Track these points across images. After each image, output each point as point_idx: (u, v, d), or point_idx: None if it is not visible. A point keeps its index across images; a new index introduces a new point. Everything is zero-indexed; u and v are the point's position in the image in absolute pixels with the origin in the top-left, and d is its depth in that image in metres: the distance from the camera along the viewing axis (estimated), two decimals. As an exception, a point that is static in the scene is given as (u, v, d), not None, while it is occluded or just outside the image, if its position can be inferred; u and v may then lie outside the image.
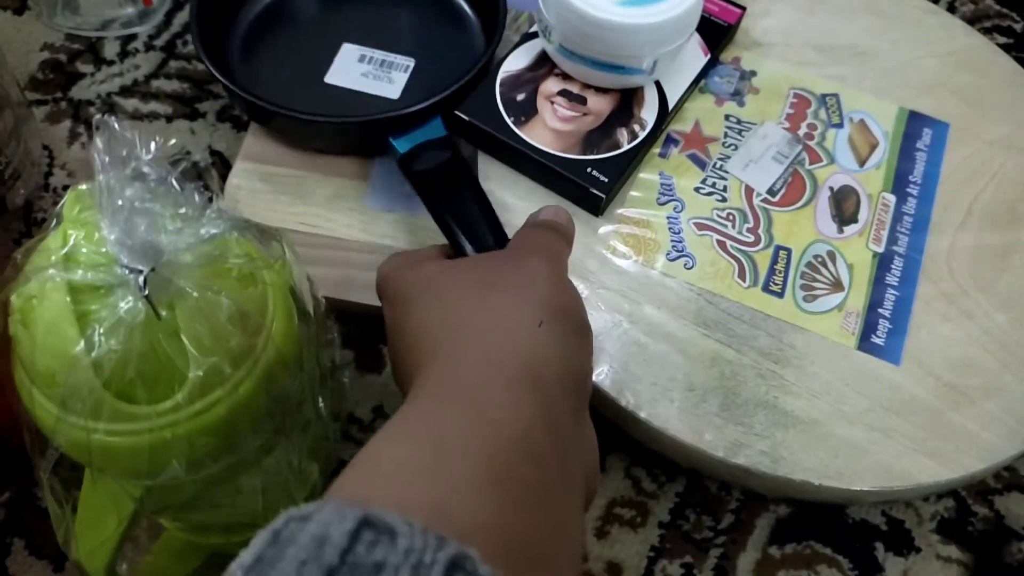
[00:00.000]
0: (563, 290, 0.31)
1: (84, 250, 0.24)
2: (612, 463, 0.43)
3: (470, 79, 0.46)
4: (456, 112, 0.45)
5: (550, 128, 0.45)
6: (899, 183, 0.47)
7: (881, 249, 0.45)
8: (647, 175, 0.46)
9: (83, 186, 0.26)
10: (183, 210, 0.24)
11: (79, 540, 0.30)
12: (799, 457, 0.38)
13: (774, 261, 0.44)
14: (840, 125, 0.49)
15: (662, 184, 0.46)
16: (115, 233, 0.23)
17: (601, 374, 0.40)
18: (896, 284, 0.44)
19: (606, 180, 0.44)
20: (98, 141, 0.23)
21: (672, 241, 0.44)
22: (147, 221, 0.23)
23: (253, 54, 0.51)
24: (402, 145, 0.42)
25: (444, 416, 0.24)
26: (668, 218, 0.45)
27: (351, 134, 0.47)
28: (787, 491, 0.40)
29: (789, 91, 0.50)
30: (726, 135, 0.48)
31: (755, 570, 0.41)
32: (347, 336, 0.44)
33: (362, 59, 0.50)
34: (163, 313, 0.24)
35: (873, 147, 0.48)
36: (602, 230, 0.44)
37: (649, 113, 0.46)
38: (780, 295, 0.43)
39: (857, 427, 0.39)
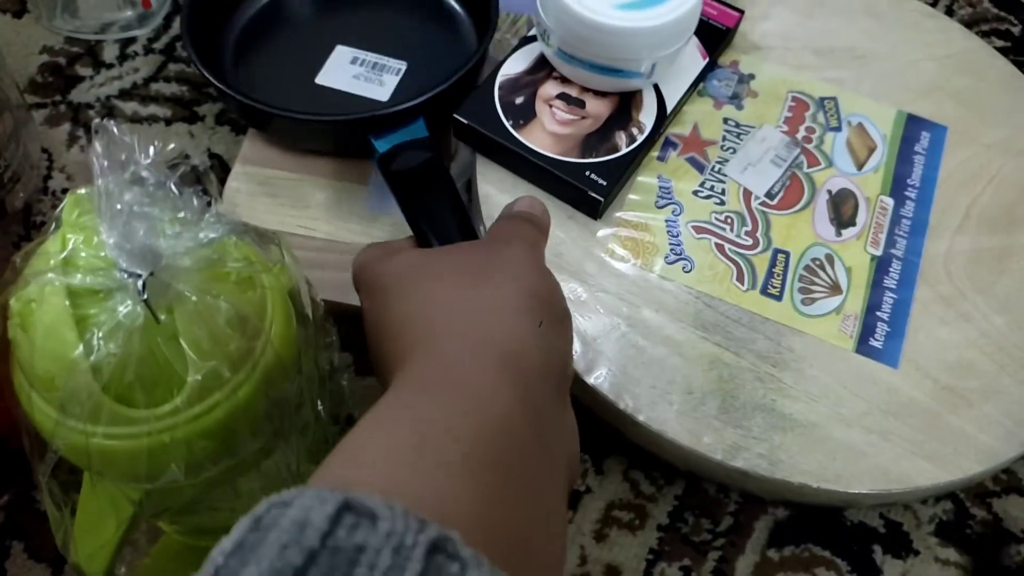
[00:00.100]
0: (542, 278, 0.31)
1: (83, 254, 0.25)
2: (611, 466, 0.43)
3: (454, 82, 0.46)
4: (455, 115, 0.45)
5: (548, 131, 0.45)
6: (897, 186, 0.47)
7: (879, 252, 0.45)
8: (645, 178, 0.46)
9: (82, 190, 0.26)
10: (182, 214, 0.24)
11: (78, 543, 0.30)
12: (797, 460, 0.39)
13: (772, 264, 0.44)
14: (838, 128, 0.49)
15: (660, 187, 0.46)
16: (114, 237, 0.23)
17: (600, 377, 0.40)
18: (894, 287, 0.44)
19: (604, 183, 0.44)
20: (97, 145, 0.23)
21: (670, 244, 0.44)
22: (146, 225, 0.23)
23: (247, 57, 0.52)
24: (382, 145, 0.42)
25: (426, 404, 0.24)
26: (666, 221, 0.45)
27: (333, 134, 0.47)
28: (785, 494, 0.40)
29: (787, 94, 0.50)
30: (724, 138, 0.48)
31: (753, 573, 0.41)
32: (346, 339, 0.44)
33: (354, 61, 0.51)
34: (162, 317, 0.24)
35: (871, 150, 0.48)
36: (600, 233, 0.44)
37: (647, 116, 0.46)
38: (778, 298, 0.43)
39: (855, 430, 0.39)
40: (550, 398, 0.28)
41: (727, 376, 0.40)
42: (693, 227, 0.45)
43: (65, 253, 0.25)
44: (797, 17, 0.53)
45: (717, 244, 0.44)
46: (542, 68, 0.48)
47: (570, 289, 0.42)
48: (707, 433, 0.39)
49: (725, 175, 0.46)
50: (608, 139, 0.45)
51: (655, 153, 0.47)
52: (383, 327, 0.29)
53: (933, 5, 0.61)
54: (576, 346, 0.41)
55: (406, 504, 0.18)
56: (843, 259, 0.44)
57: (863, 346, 0.42)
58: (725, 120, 0.48)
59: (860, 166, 0.48)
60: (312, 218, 0.47)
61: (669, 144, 0.47)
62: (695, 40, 0.49)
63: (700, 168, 0.47)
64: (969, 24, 0.60)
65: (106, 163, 0.23)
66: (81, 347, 0.24)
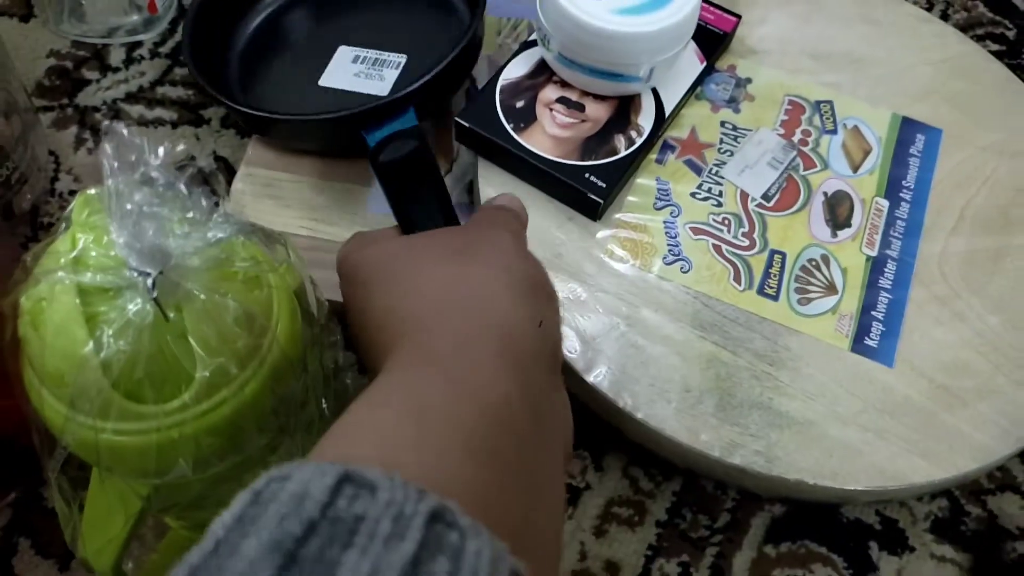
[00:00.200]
0: (529, 260, 0.31)
1: (93, 253, 0.25)
2: (610, 463, 0.44)
3: (441, 71, 0.45)
4: (457, 119, 0.46)
5: (549, 134, 0.46)
6: (892, 188, 0.48)
7: (874, 253, 0.45)
8: (644, 180, 0.47)
9: (91, 191, 0.26)
10: (191, 214, 0.25)
11: (86, 538, 0.30)
12: (794, 457, 0.39)
13: (769, 265, 0.44)
14: (834, 131, 0.49)
15: (659, 189, 0.46)
16: (124, 237, 0.24)
17: (599, 376, 0.41)
18: (889, 287, 0.44)
19: (604, 185, 0.44)
20: (107, 146, 0.24)
21: (669, 245, 0.45)
22: (155, 225, 0.24)
23: (253, 68, 0.52)
24: (372, 138, 0.41)
25: (423, 385, 0.24)
26: (665, 223, 0.45)
27: (326, 132, 0.47)
28: (782, 491, 0.41)
29: (784, 98, 0.50)
30: (722, 141, 0.48)
31: (751, 569, 0.41)
32: (349, 339, 0.45)
33: (356, 60, 0.51)
34: (171, 315, 0.25)
35: (867, 153, 0.49)
36: (600, 234, 0.45)
37: (646, 120, 0.47)
38: (775, 298, 0.43)
39: (851, 428, 0.40)
40: (545, 379, 0.28)
41: (724, 375, 0.41)
42: (691, 228, 0.45)
43: (75, 252, 0.25)
44: (794, 22, 0.54)
45: (715, 245, 0.45)
46: (542, 72, 0.48)
47: (570, 289, 0.43)
48: (705, 430, 0.39)
49: (722, 177, 0.47)
50: (607, 142, 0.46)
51: (653, 156, 0.48)
52: (368, 315, 0.29)
53: (929, 10, 0.62)
54: (576, 345, 0.41)
55: (404, 478, 0.18)
56: (839, 260, 0.45)
57: (859, 345, 0.42)
58: (722, 123, 0.49)
59: (856, 168, 0.48)
60: (315, 219, 0.48)
61: (667, 147, 0.48)
62: (693, 45, 0.49)
63: (698, 170, 0.47)
64: (964, 28, 0.61)
65: (116, 164, 0.23)
66: (91, 344, 0.25)
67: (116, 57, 0.55)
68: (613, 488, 0.43)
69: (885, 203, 0.47)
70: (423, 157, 0.38)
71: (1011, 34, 0.62)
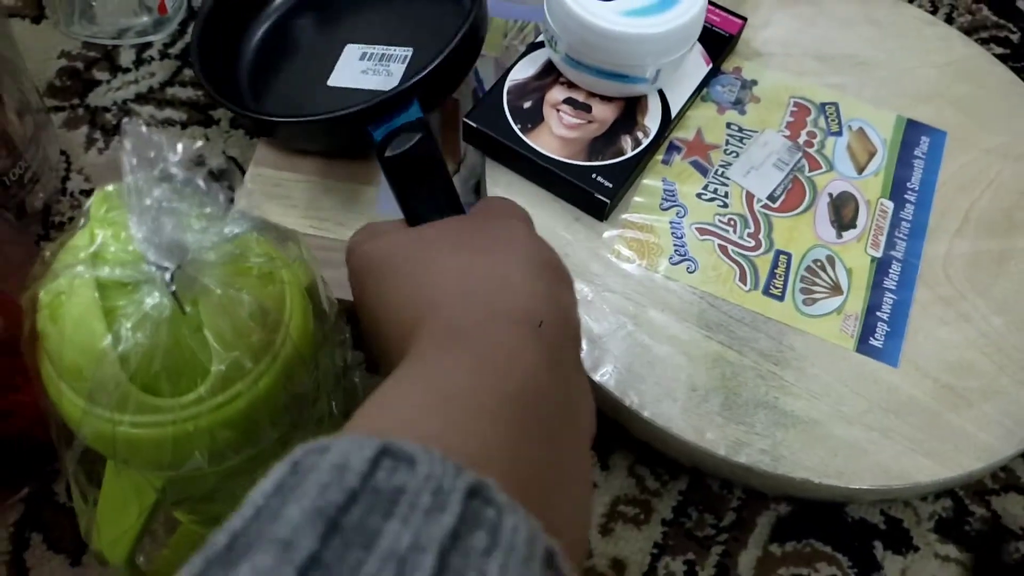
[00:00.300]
0: (543, 245, 0.31)
1: (111, 248, 0.26)
2: (616, 462, 0.44)
3: (442, 61, 0.44)
4: (464, 119, 0.46)
5: (556, 135, 0.46)
6: (897, 190, 0.48)
7: (879, 254, 0.46)
8: (650, 181, 0.47)
9: (109, 187, 0.27)
10: (208, 210, 0.25)
11: (101, 530, 0.30)
12: (799, 456, 0.39)
13: (774, 265, 0.45)
14: (839, 133, 0.50)
15: (665, 190, 0.47)
16: (143, 232, 0.24)
17: (606, 375, 0.41)
18: (894, 288, 0.45)
19: (610, 186, 0.45)
20: (126, 144, 0.24)
21: (675, 245, 0.45)
22: (174, 220, 0.24)
23: (262, 71, 0.53)
24: (378, 134, 0.41)
25: (450, 362, 0.24)
26: (671, 223, 0.46)
27: (331, 131, 0.46)
28: (787, 489, 0.41)
29: (789, 100, 0.51)
30: (727, 143, 0.49)
31: (756, 567, 0.42)
32: (357, 337, 0.45)
33: (363, 57, 0.51)
34: (187, 309, 0.25)
35: (871, 155, 0.49)
36: (606, 234, 0.45)
37: (652, 121, 0.47)
38: (780, 298, 0.44)
39: (856, 427, 0.40)
40: (570, 356, 0.28)
41: (730, 374, 0.41)
42: (697, 229, 0.46)
43: (94, 247, 0.26)
44: (799, 24, 0.54)
45: (720, 245, 0.45)
46: (549, 74, 0.49)
47: (577, 289, 0.43)
48: (711, 429, 0.40)
49: (728, 178, 0.47)
50: (614, 143, 0.46)
51: (660, 157, 0.48)
52: (382, 306, 0.29)
53: (933, 13, 0.62)
54: (583, 344, 0.42)
55: (439, 452, 0.18)
56: (844, 260, 0.45)
57: (863, 345, 0.43)
58: (728, 125, 0.49)
59: (861, 170, 0.49)
60: (324, 219, 0.48)
61: (673, 148, 0.48)
62: (699, 47, 0.50)
63: (704, 171, 0.48)
64: (968, 31, 0.61)
65: (135, 161, 0.24)
66: (109, 338, 0.25)
67: (126, 58, 0.56)
68: (619, 487, 0.43)
69: (890, 204, 0.47)
70: (428, 149, 0.38)
71: (1015, 37, 0.62)
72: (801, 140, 0.49)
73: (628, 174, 0.45)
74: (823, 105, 0.51)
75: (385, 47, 0.51)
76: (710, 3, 0.51)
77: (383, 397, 0.23)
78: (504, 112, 0.47)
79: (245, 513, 0.17)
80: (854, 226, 0.46)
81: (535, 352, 0.25)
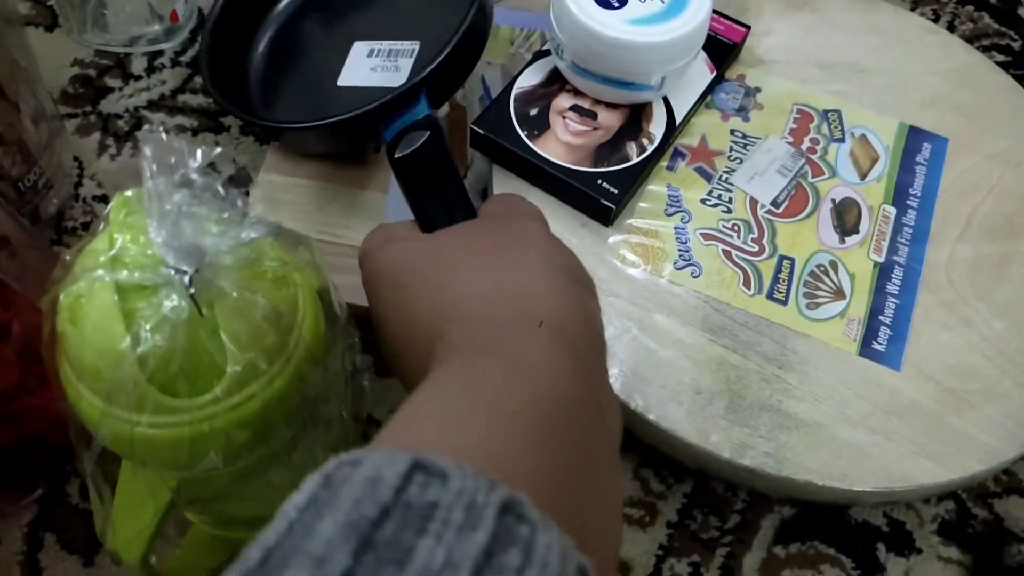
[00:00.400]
0: (562, 248, 0.30)
1: (131, 252, 0.26)
2: (621, 464, 0.45)
3: (448, 55, 0.43)
4: (472, 126, 0.47)
5: (562, 142, 0.47)
6: (899, 195, 0.48)
7: (882, 259, 0.46)
8: (655, 187, 0.48)
9: (128, 192, 0.27)
10: (226, 214, 0.26)
11: (116, 530, 0.31)
12: (803, 458, 0.40)
13: (778, 270, 0.45)
14: (842, 140, 0.50)
15: (670, 196, 0.47)
16: (162, 236, 0.25)
17: (611, 378, 0.41)
18: (896, 293, 0.45)
19: (616, 192, 0.45)
20: (146, 150, 0.25)
21: (680, 251, 0.46)
22: (193, 225, 0.25)
23: (272, 76, 0.52)
24: (388, 133, 0.39)
25: (479, 373, 0.24)
26: (676, 228, 0.46)
27: (344, 133, 0.45)
28: (791, 492, 0.42)
29: (792, 107, 0.51)
30: (731, 149, 0.49)
31: (760, 569, 0.42)
32: (366, 341, 0.46)
33: (371, 54, 0.50)
34: (204, 311, 0.26)
35: (874, 161, 0.50)
36: (612, 240, 0.46)
37: (657, 128, 0.48)
38: (784, 303, 0.44)
39: (859, 430, 0.41)
40: (597, 363, 0.27)
41: (734, 377, 0.42)
42: (701, 234, 0.46)
43: (113, 251, 0.26)
44: (801, 32, 0.55)
45: (724, 251, 0.46)
46: (555, 81, 0.49)
47: (583, 293, 0.44)
48: (715, 432, 0.40)
49: (732, 184, 0.48)
50: (619, 149, 0.47)
51: (664, 163, 0.48)
52: (402, 316, 0.29)
53: (935, 21, 0.63)
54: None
55: (471, 466, 0.18)
56: (847, 265, 0.46)
57: (866, 349, 0.43)
58: (732, 131, 0.50)
59: (863, 176, 0.49)
60: (333, 224, 0.49)
61: (678, 154, 0.49)
62: (703, 55, 0.50)
63: (708, 177, 0.48)
64: (970, 39, 0.61)
65: (155, 167, 0.24)
66: (128, 339, 0.26)
67: (138, 66, 0.57)
68: (625, 489, 0.44)
69: (892, 210, 0.48)
70: (438, 148, 0.37)
71: (1016, 45, 0.63)
72: (804, 146, 0.50)
73: (633, 180, 0.46)
74: (826, 112, 0.51)
75: (392, 42, 0.49)
76: (714, 12, 0.52)
77: (413, 408, 0.23)
78: (511, 119, 0.47)
79: (278, 527, 0.17)
80: (857, 231, 0.47)
81: (564, 361, 0.25)
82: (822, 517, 0.43)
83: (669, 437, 0.40)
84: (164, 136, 0.25)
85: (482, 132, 0.47)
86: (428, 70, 0.42)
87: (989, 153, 0.51)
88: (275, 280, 0.29)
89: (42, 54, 0.55)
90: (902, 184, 0.49)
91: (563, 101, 0.49)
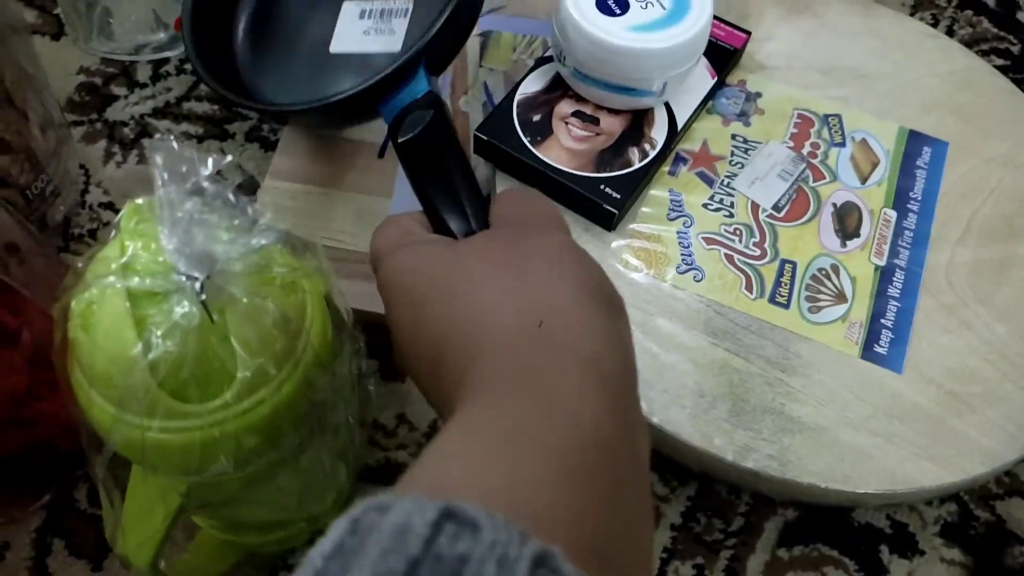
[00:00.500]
0: (591, 264, 0.29)
1: (142, 259, 0.27)
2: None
3: (446, 21, 0.39)
4: (475, 132, 0.47)
5: (565, 147, 0.47)
6: (900, 199, 0.49)
7: (883, 263, 0.46)
8: (657, 192, 0.48)
9: (139, 200, 0.28)
10: (237, 222, 0.26)
11: (126, 534, 0.31)
12: (806, 461, 0.40)
13: (780, 274, 0.45)
14: (842, 144, 0.51)
15: (672, 200, 0.48)
16: (174, 243, 0.25)
17: (615, 381, 0.42)
18: (898, 296, 0.45)
19: (618, 196, 0.46)
20: (157, 158, 0.25)
21: (682, 255, 0.46)
22: (204, 232, 0.25)
23: (260, 51, 0.48)
24: (388, 113, 0.36)
25: (511, 409, 0.23)
26: (678, 233, 0.47)
27: (343, 113, 0.42)
28: (795, 494, 0.42)
29: (793, 112, 0.52)
30: (733, 154, 0.50)
31: (764, 571, 0.42)
32: (371, 346, 0.46)
33: (362, 15, 0.45)
34: (215, 317, 0.26)
35: (874, 165, 0.50)
36: (615, 244, 0.46)
37: (659, 133, 0.48)
38: (786, 306, 0.44)
39: (861, 433, 0.41)
40: (631, 393, 0.26)
41: (737, 381, 0.42)
42: (703, 238, 0.46)
43: (125, 258, 0.27)
44: (802, 38, 0.55)
45: (727, 255, 0.46)
46: (558, 87, 0.50)
47: (586, 298, 0.44)
48: (719, 435, 0.40)
49: (734, 189, 0.48)
50: (622, 154, 0.47)
51: (666, 168, 0.49)
52: (424, 334, 0.27)
53: (934, 25, 0.63)
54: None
55: (503, 513, 0.18)
56: (848, 269, 0.46)
57: (868, 352, 0.43)
58: (733, 136, 0.50)
59: (864, 180, 0.49)
60: (338, 230, 0.49)
61: (680, 159, 0.49)
62: (704, 60, 0.51)
63: (709, 182, 0.49)
64: (969, 44, 0.62)
65: (166, 175, 0.25)
66: (140, 346, 0.26)
67: (143, 73, 0.57)
68: (629, 492, 0.44)
69: (893, 214, 0.48)
70: (442, 129, 0.34)
71: (1015, 49, 0.63)
72: (805, 151, 0.50)
73: (636, 185, 0.46)
74: (826, 117, 0.52)
75: (383, 1, 0.45)
76: (715, 17, 0.52)
77: (443, 448, 0.22)
78: (514, 125, 0.48)
79: None
80: (858, 235, 0.47)
81: (596, 394, 0.24)
82: (825, 519, 0.44)
83: (673, 440, 0.41)
84: (175, 145, 0.25)
85: (485, 138, 0.47)
86: (425, 41, 0.38)
87: (988, 156, 0.51)
88: (284, 286, 0.29)
89: (48, 62, 0.55)
90: (903, 188, 0.49)
91: (565, 107, 0.49)
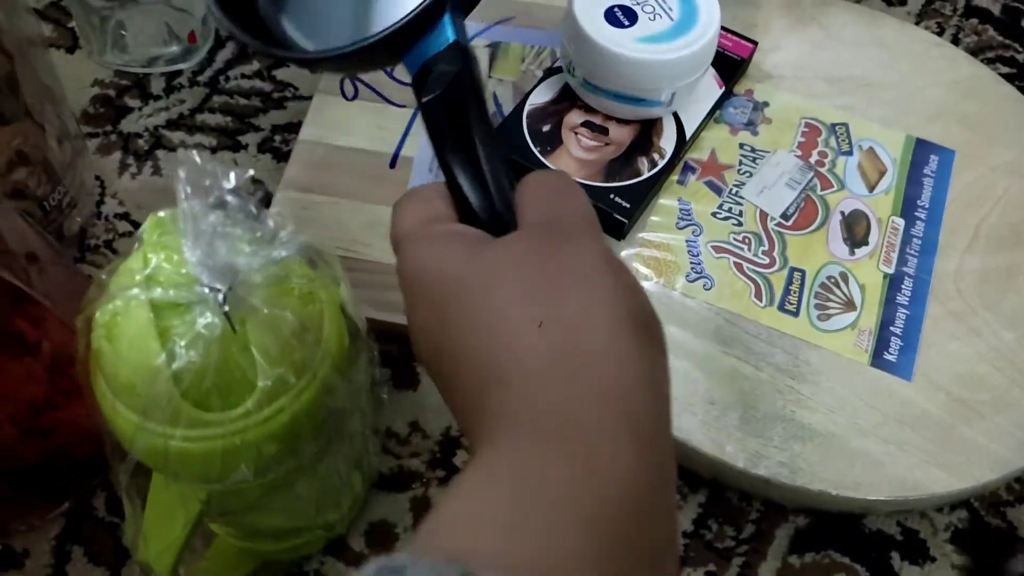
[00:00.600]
0: (630, 284, 0.26)
1: (165, 271, 0.27)
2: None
3: None
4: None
5: (574, 157, 0.48)
6: (907, 207, 0.49)
7: (891, 270, 0.47)
8: (666, 201, 0.48)
9: (161, 213, 0.28)
10: (259, 234, 0.27)
11: (148, 541, 0.32)
12: (816, 468, 0.40)
13: (789, 282, 0.46)
14: (850, 153, 0.51)
15: (681, 209, 0.48)
16: (197, 255, 0.26)
17: (626, 389, 0.42)
18: (906, 304, 0.46)
19: (628, 206, 0.46)
20: (180, 172, 0.26)
21: (691, 263, 0.46)
22: (227, 244, 0.26)
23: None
24: (412, 64, 0.31)
25: (537, 463, 0.21)
26: (687, 241, 0.47)
27: (365, 60, 0.36)
28: (805, 501, 0.42)
29: (800, 121, 0.52)
30: (741, 163, 0.50)
31: (776, 578, 0.42)
32: (383, 354, 0.46)
33: None
34: (236, 328, 0.27)
35: (882, 173, 0.50)
36: (624, 253, 0.47)
37: (668, 142, 0.49)
38: (795, 314, 0.45)
39: (871, 440, 0.41)
40: (665, 442, 0.24)
41: (747, 388, 0.42)
42: (712, 247, 0.47)
43: (148, 270, 0.27)
44: (808, 47, 0.56)
45: (736, 263, 0.46)
46: (566, 98, 0.50)
47: (597, 306, 0.45)
48: (729, 442, 0.41)
49: (742, 197, 0.49)
50: (631, 164, 0.48)
51: (675, 177, 0.49)
52: (445, 347, 0.25)
53: (939, 34, 0.64)
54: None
55: None
56: (857, 277, 0.46)
57: (878, 360, 0.44)
58: (741, 145, 0.51)
59: (871, 188, 0.50)
60: (351, 240, 0.50)
61: (688, 168, 0.50)
62: (712, 70, 0.51)
63: (718, 191, 0.49)
64: (974, 52, 0.62)
65: (190, 189, 0.25)
66: (164, 356, 0.26)
67: (157, 86, 0.58)
68: (640, 499, 0.44)
69: (901, 222, 0.49)
70: (467, 89, 0.30)
71: (1021, 57, 0.63)
72: (812, 160, 0.51)
73: (645, 194, 0.47)
74: (833, 125, 0.52)
75: None
76: (722, 28, 0.53)
77: (463, 505, 0.21)
78: (524, 135, 0.48)
79: None
80: (866, 243, 0.48)
81: (629, 443, 0.22)
82: (836, 526, 0.44)
83: (684, 447, 0.41)
84: (198, 159, 0.25)
85: (496, 149, 0.48)
86: None
87: (995, 164, 0.51)
88: (301, 296, 0.30)
89: (63, 75, 0.56)
90: (910, 196, 0.50)
91: (575, 117, 0.49)
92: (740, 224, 0.48)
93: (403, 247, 0.28)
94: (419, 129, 0.54)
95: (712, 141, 0.51)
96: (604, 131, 0.49)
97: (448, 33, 0.32)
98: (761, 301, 0.45)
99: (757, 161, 0.50)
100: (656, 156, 0.48)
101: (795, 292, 0.46)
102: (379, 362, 0.43)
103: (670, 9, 0.47)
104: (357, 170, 0.52)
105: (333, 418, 0.31)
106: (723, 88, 0.52)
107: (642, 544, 0.22)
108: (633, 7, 0.47)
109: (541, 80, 0.51)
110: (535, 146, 0.48)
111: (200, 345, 0.26)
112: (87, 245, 0.51)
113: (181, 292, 0.26)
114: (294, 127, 0.55)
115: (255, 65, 0.58)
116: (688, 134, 0.49)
